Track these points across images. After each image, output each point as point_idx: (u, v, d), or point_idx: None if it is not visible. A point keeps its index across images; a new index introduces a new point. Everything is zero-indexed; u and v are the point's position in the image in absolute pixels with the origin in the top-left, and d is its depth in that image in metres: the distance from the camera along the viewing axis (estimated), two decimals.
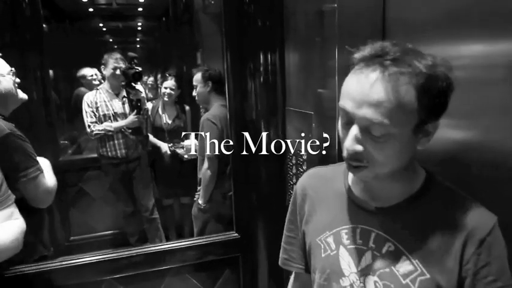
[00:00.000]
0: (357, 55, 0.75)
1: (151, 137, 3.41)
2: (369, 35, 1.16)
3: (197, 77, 2.64)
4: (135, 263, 1.52)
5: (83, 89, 4.28)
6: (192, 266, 1.59)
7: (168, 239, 3.49)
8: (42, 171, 1.53)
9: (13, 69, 1.59)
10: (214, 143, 2.42)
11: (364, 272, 0.83)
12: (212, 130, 2.41)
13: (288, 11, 1.58)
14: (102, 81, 4.76)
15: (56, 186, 1.62)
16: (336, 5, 1.23)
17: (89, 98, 3.12)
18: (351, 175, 0.91)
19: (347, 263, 0.85)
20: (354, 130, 0.74)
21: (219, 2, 1.73)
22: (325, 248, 0.89)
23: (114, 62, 3.03)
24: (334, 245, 0.88)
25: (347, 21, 1.21)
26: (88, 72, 4.39)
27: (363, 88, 0.71)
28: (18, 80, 1.61)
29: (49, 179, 1.58)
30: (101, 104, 3.09)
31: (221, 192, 2.53)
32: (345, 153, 0.77)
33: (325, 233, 0.90)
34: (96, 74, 4.45)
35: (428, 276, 0.76)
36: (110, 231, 3.53)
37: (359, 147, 0.74)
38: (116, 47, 8.26)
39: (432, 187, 0.82)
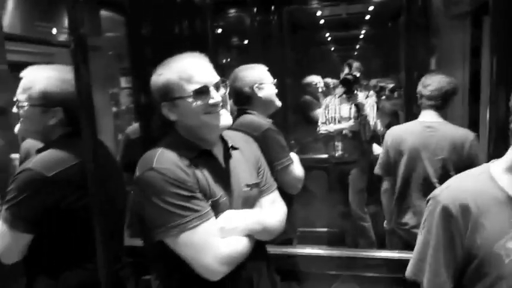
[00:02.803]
0: None
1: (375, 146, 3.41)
2: None
3: None
4: (373, 265, 1.56)
5: (307, 97, 4.66)
6: None
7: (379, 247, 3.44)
8: (293, 162, 1.77)
9: (275, 80, 1.89)
10: (381, 160, 2.24)
11: None
12: (383, 146, 2.26)
13: None
14: (324, 88, 5.09)
15: (303, 176, 1.84)
16: None
17: (326, 101, 3.46)
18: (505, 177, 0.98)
19: None
20: None
21: (466, 3, 1.57)
22: (508, 254, 0.94)
23: (347, 69, 3.23)
24: None
25: None
26: (313, 79, 4.73)
27: None
28: (276, 90, 1.91)
29: (298, 169, 1.81)
30: (331, 107, 3.37)
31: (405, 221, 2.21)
32: None
33: (501, 240, 0.94)
34: (320, 82, 4.76)
35: None
36: (326, 229, 3.74)
37: None
38: (336, 55, 8.64)
39: None
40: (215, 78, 1.20)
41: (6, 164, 2.30)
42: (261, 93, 1.84)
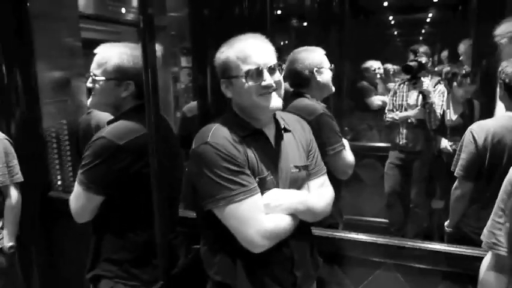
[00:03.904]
0: None
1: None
2: None
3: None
4: (418, 256, 1.55)
5: (364, 82, 4.52)
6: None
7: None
8: (345, 147, 1.79)
9: (332, 65, 1.90)
10: (467, 161, 1.88)
11: None
12: (468, 144, 1.89)
13: None
14: (383, 75, 4.91)
15: (354, 162, 1.85)
16: None
17: (394, 88, 3.38)
18: None
19: None
20: None
21: None
22: None
23: (412, 55, 3.12)
24: None
25: None
26: (372, 65, 4.57)
27: None
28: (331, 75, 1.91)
29: (349, 155, 1.82)
30: (399, 94, 3.28)
31: (474, 225, 1.89)
32: None
33: None
34: (379, 68, 4.59)
35: None
36: (376, 218, 3.68)
37: None
38: (398, 39, 8.24)
39: None
40: (271, 60, 1.23)
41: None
42: (319, 77, 1.85)
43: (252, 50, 1.21)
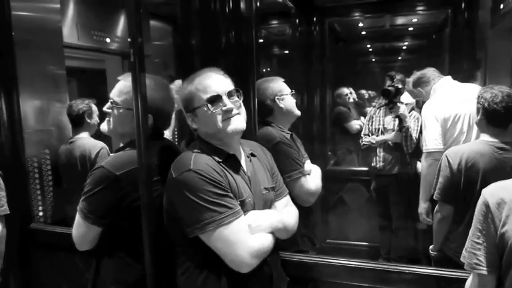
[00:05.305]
0: None
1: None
2: None
3: None
4: (403, 280, 1.56)
5: (342, 107, 4.62)
6: None
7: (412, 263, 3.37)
8: (304, 175, 1.80)
9: (293, 91, 1.97)
10: (444, 184, 1.94)
11: None
12: (444, 168, 1.96)
13: None
14: (356, 99, 5.03)
15: (319, 191, 1.86)
16: None
17: (370, 113, 3.48)
18: None
19: None
20: None
21: None
22: None
23: (389, 81, 3.22)
24: None
25: None
26: (343, 91, 4.69)
27: None
28: (295, 100, 1.99)
29: (312, 183, 1.83)
30: (375, 118, 3.37)
31: (457, 249, 1.87)
32: None
33: None
34: (351, 93, 4.71)
35: None
36: (361, 242, 3.70)
37: None
38: (377, 66, 8.51)
39: None
40: (229, 87, 1.32)
41: None
42: (281, 104, 1.92)
43: (209, 80, 1.30)
